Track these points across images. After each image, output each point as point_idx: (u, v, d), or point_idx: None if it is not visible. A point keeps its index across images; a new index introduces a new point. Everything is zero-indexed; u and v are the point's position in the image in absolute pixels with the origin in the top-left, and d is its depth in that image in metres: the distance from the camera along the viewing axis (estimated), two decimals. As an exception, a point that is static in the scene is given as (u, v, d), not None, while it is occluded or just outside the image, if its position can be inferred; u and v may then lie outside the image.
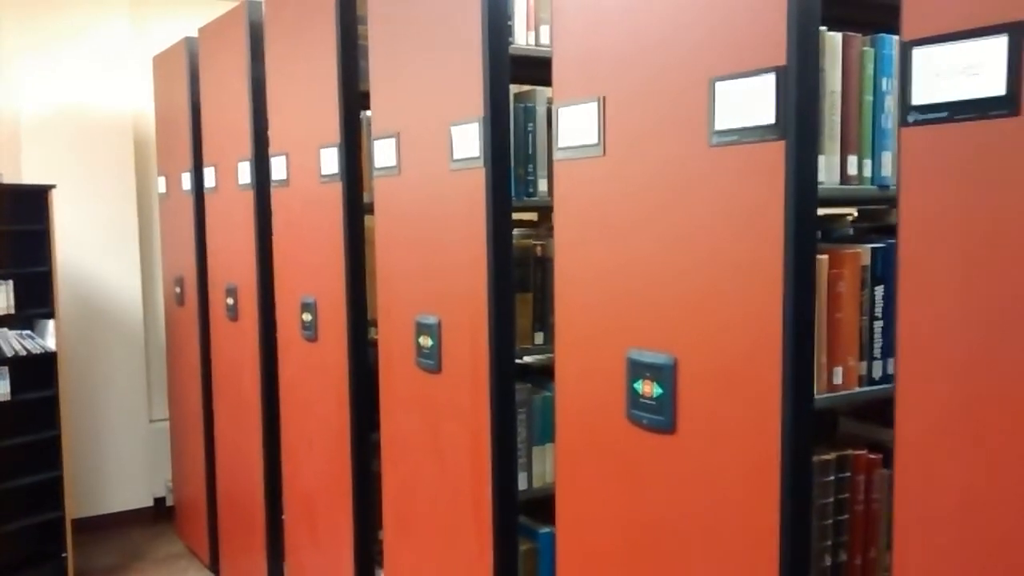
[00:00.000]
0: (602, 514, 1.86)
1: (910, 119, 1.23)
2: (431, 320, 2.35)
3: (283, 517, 3.48)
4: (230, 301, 3.75)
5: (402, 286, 2.52)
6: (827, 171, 1.63)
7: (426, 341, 2.38)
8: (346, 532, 2.93)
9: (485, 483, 2.21)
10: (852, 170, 1.67)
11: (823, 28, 1.56)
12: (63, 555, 3.99)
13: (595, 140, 1.81)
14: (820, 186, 1.55)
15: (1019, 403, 1.14)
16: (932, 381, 1.24)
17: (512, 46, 2.18)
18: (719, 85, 1.52)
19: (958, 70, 1.18)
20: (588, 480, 1.89)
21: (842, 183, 1.66)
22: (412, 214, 2.45)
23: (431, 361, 2.37)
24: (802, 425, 1.46)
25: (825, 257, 1.61)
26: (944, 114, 1.19)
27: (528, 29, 2.39)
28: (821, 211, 2.59)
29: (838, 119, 1.64)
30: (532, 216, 3.14)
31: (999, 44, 1.14)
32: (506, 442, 2.20)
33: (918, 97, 1.22)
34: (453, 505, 2.35)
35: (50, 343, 3.91)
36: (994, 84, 1.14)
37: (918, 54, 1.22)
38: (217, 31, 3.77)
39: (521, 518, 2.27)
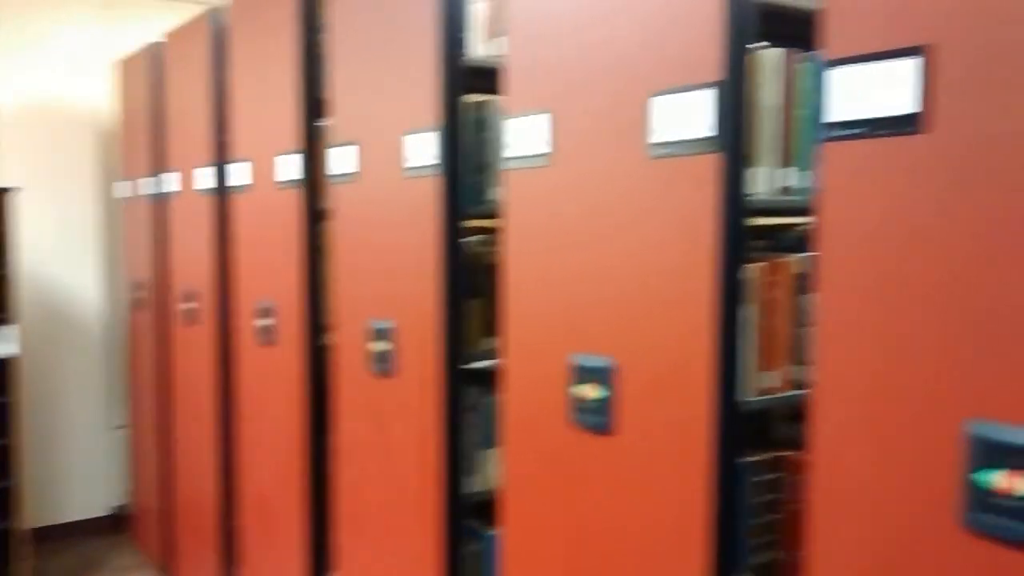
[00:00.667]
0: (545, 515, 1.91)
1: (828, 135, 1.30)
2: (385, 325, 2.39)
3: (237, 523, 3.49)
4: (190, 306, 3.76)
5: (357, 291, 2.55)
6: (764, 182, 1.69)
7: (379, 346, 2.42)
8: (299, 536, 2.95)
9: (434, 486, 2.25)
10: (789, 182, 1.74)
11: (761, 44, 1.63)
12: (17, 564, 3.96)
13: (541, 151, 1.86)
14: (757, 197, 1.62)
15: (923, 409, 1.20)
16: (845, 386, 1.30)
17: (468, 56, 2.23)
18: (657, 100, 1.58)
19: (873, 89, 1.24)
20: (532, 482, 1.94)
21: (779, 194, 1.72)
22: (368, 220, 2.49)
23: (384, 365, 2.41)
24: (731, 427, 1.52)
25: (760, 265, 1.67)
26: (859, 131, 1.26)
27: (485, 40, 2.45)
28: (776, 221, 2.67)
29: (775, 132, 1.71)
30: (493, 223, 3.18)
31: (912, 65, 1.20)
32: (455, 445, 2.24)
33: (836, 114, 1.29)
34: (403, 508, 2.39)
35: (9, 348, 3.89)
36: (906, 103, 1.21)
37: (836, 73, 1.28)
38: (181, 37, 3.79)
39: (470, 521, 2.31)
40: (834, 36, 1.30)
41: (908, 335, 1.22)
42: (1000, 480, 1.11)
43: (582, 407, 1.77)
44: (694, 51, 1.51)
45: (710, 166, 1.50)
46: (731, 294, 1.51)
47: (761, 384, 1.70)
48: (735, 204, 1.50)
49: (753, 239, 1.98)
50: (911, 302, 1.22)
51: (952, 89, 1.17)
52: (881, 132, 1.25)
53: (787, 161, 1.73)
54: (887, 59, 1.23)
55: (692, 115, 1.51)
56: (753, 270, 1.64)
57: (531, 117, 1.89)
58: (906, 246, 1.22)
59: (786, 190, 1.74)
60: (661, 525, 1.62)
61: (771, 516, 1.72)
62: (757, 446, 1.74)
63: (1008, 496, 1.11)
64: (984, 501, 1.13)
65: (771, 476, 1.71)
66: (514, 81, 1.96)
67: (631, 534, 1.69)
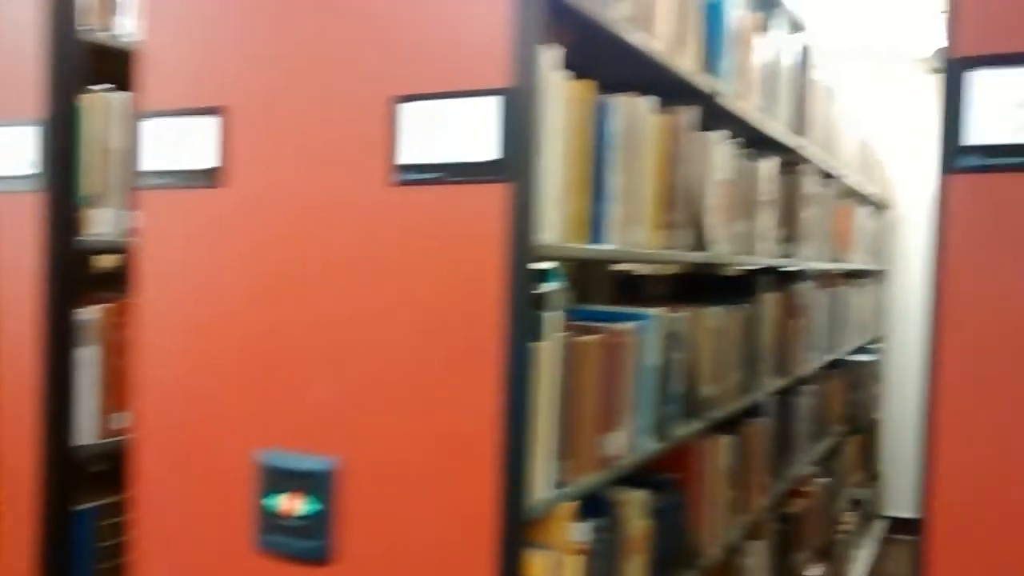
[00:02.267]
0: None
1: (142, 183, 1.34)
2: None
3: None
4: None
5: None
6: (110, 224, 1.68)
7: None
8: None
9: None
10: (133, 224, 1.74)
11: (104, 87, 1.63)
12: None
13: None
14: (102, 238, 1.61)
15: (221, 441, 1.30)
16: (158, 424, 1.35)
17: None
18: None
19: (180, 143, 1.31)
20: None
21: (128, 236, 1.72)
22: None
23: None
24: (64, 472, 1.48)
25: (103, 306, 1.65)
26: (169, 181, 1.32)
27: None
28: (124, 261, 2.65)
29: (123, 175, 1.71)
30: None
31: (212, 123, 1.29)
32: None
33: (148, 164, 1.33)
34: None
35: None
36: (209, 158, 1.29)
37: (148, 125, 1.33)
38: None
39: None
40: (146, 89, 1.34)
41: (209, 372, 1.30)
42: (283, 503, 1.24)
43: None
44: (13, 86, 1.46)
45: (34, 205, 1.45)
46: (63, 336, 1.48)
47: (111, 426, 1.68)
48: (64, 244, 1.48)
49: (109, 281, 1.97)
50: (198, 340, 1.30)
51: (245, 147, 1.27)
52: (188, 184, 1.31)
53: (128, 204, 1.74)
54: (191, 116, 1.31)
55: (15, 151, 1.46)
56: (96, 311, 1.62)
57: None
58: (202, 298, 1.30)
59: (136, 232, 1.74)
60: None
61: (123, 559, 1.70)
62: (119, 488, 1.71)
63: (289, 517, 1.23)
64: (272, 523, 1.25)
65: (117, 520, 1.70)
66: None
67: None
